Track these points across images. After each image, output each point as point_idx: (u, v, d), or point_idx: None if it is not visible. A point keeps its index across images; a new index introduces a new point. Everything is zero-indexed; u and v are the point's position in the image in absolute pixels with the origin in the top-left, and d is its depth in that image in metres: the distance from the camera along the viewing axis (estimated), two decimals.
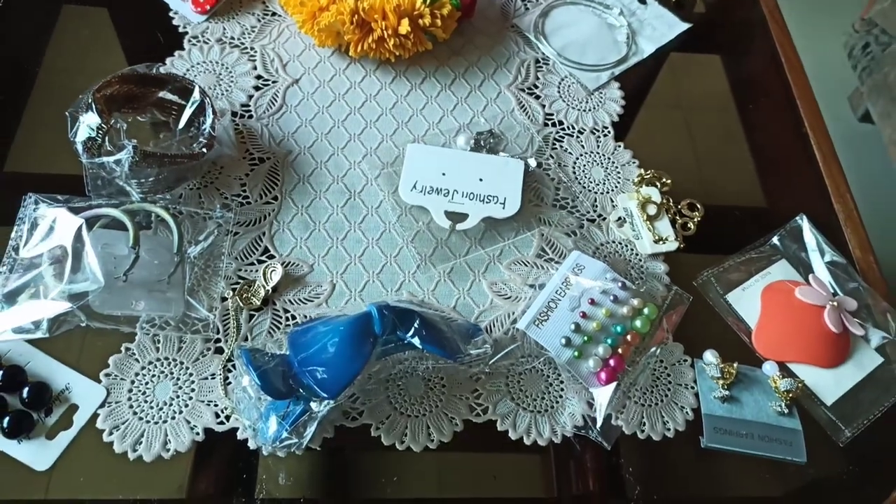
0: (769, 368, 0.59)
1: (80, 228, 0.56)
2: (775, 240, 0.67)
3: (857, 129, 1.83)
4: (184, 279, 0.57)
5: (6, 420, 0.50)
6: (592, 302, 0.59)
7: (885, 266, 0.70)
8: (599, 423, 0.55)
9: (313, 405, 0.49)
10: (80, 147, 0.58)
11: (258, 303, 0.58)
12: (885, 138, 1.69)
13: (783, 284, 0.64)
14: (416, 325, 0.52)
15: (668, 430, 0.57)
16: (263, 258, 0.60)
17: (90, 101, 0.59)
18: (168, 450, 0.51)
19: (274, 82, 0.71)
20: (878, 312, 0.64)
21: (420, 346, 0.52)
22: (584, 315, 0.58)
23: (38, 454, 0.50)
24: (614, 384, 0.55)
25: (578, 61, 0.77)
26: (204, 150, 0.60)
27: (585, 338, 0.57)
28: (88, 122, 0.58)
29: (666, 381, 0.59)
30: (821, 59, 1.88)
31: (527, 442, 0.55)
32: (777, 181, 0.74)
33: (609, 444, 0.55)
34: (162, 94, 0.64)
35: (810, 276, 0.64)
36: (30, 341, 0.53)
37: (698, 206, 0.68)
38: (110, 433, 0.51)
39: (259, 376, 0.48)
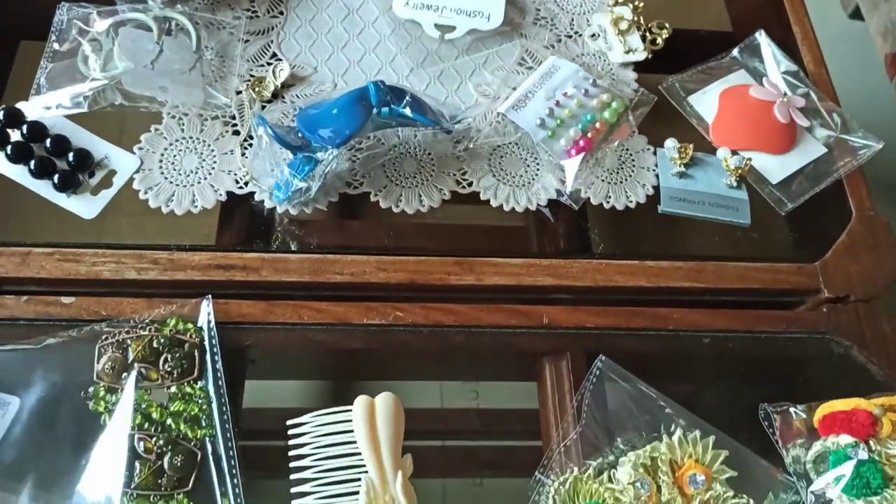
0: (722, 151, 0.67)
1: (110, 26, 0.63)
2: (735, 52, 0.74)
3: (848, 26, 1.87)
4: (202, 74, 0.65)
5: (56, 177, 0.58)
6: (566, 94, 0.66)
7: None
8: (569, 189, 0.63)
9: (320, 155, 0.57)
10: None
11: (269, 95, 0.65)
12: (872, 29, 1.73)
13: (740, 87, 0.71)
14: (407, 98, 0.60)
15: (631, 201, 0.65)
16: (272, 61, 0.68)
17: None
18: (196, 206, 0.60)
19: None
20: (825, 112, 0.71)
21: (411, 115, 0.59)
22: (557, 104, 0.66)
23: (85, 206, 0.58)
24: (582, 154, 0.63)
25: None
26: None
27: (558, 121, 0.65)
28: None
29: (630, 164, 0.67)
30: None
31: (506, 209, 0.63)
32: (742, 9, 0.80)
33: (577, 206, 0.63)
34: None
35: (764, 80, 0.71)
36: (72, 118, 0.61)
37: (667, 25, 0.75)
38: (145, 192, 0.60)
39: (273, 130, 0.56)
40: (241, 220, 0.61)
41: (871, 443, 0.52)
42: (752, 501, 0.51)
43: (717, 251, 0.64)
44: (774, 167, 0.67)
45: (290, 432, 0.51)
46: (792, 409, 0.54)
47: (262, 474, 0.52)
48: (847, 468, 0.50)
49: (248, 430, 0.52)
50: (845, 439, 0.52)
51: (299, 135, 0.56)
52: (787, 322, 0.60)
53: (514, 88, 0.68)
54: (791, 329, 0.60)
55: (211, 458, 0.50)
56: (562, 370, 0.57)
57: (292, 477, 0.50)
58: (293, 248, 0.59)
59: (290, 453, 0.50)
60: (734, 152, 0.67)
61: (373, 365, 0.60)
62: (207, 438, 0.51)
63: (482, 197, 0.63)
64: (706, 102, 0.71)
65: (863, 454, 0.51)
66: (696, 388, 0.59)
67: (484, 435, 1.03)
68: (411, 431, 0.51)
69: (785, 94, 0.70)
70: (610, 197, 0.64)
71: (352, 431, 0.51)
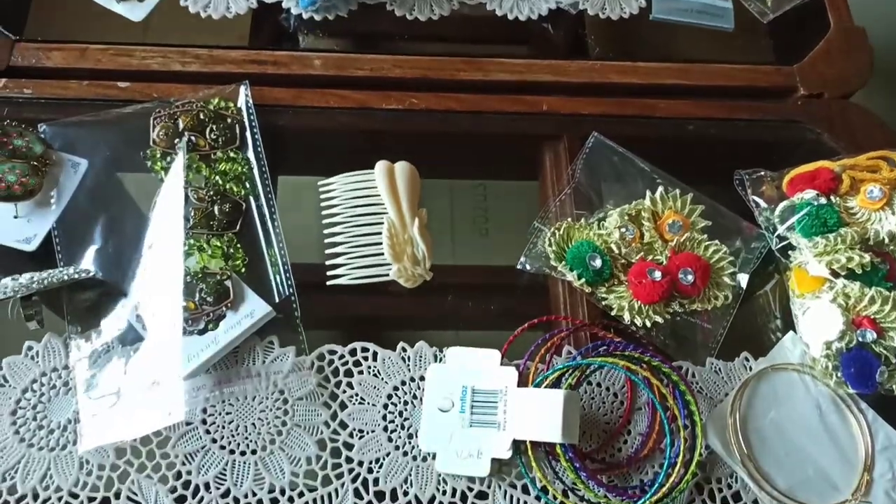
0: None
1: None
2: None
3: None
4: None
5: None
6: None
7: None
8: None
9: None
10: None
11: None
12: None
13: None
14: None
15: (624, 12, 0.71)
16: None
17: None
18: (230, 11, 0.66)
19: None
20: None
21: None
22: None
23: (133, 10, 0.66)
24: None
25: None
26: None
27: None
28: None
29: None
30: None
31: (510, 17, 0.69)
32: None
33: (574, 10, 0.69)
34: None
35: None
36: None
37: None
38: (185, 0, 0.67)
39: None
40: (271, 25, 0.68)
41: (832, 197, 0.59)
42: (724, 246, 0.58)
43: (704, 55, 0.70)
44: None
45: (320, 190, 0.59)
46: (764, 174, 0.61)
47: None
48: (808, 211, 0.57)
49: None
50: (809, 193, 0.58)
51: None
52: (764, 111, 0.67)
53: None
54: (768, 117, 0.67)
55: (255, 211, 0.58)
56: (559, 152, 0.64)
57: (324, 222, 0.58)
58: (319, 47, 0.66)
59: (322, 204, 0.58)
60: None
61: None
62: (251, 197, 0.59)
63: (488, 7, 0.70)
64: None
65: (822, 200, 0.57)
66: (681, 169, 0.65)
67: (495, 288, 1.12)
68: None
69: None
70: (606, 8, 0.70)
71: (375, 188, 0.59)
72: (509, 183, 0.71)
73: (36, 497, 0.48)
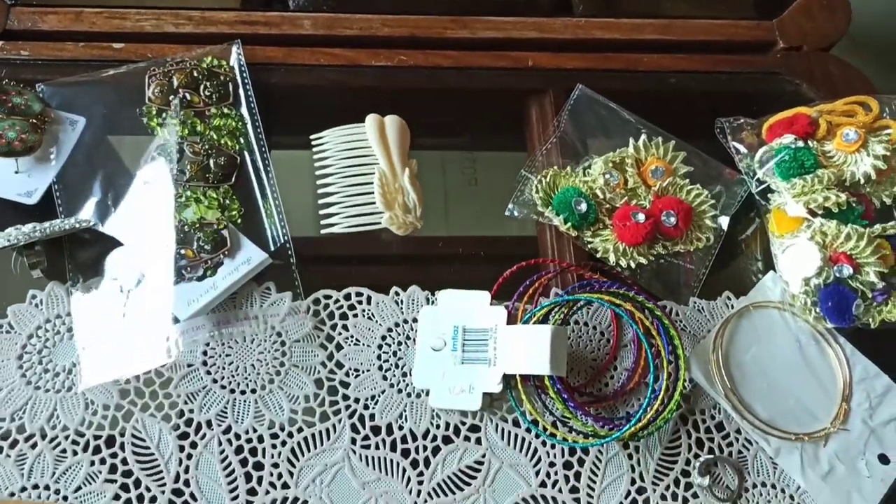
0: None
1: None
2: None
3: None
4: None
5: None
6: None
7: None
8: None
9: None
10: None
11: None
12: None
13: None
14: None
15: None
16: None
17: None
18: None
19: None
20: None
21: None
22: None
23: None
24: None
25: None
26: None
27: None
28: None
29: None
30: None
31: None
32: None
33: None
34: None
35: None
36: None
37: None
38: None
39: None
40: None
41: (809, 141, 0.60)
42: (705, 190, 0.60)
43: (686, 11, 0.72)
44: None
45: (313, 144, 0.61)
46: (744, 121, 0.63)
47: None
48: (786, 154, 0.59)
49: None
50: (787, 138, 0.60)
51: None
52: (745, 64, 0.69)
53: None
54: (749, 70, 0.68)
55: (250, 165, 0.60)
56: (545, 106, 0.66)
57: (317, 174, 0.59)
58: (308, 7, 0.67)
59: (315, 157, 0.60)
60: None
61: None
62: (246, 152, 0.60)
63: None
64: None
65: (800, 144, 0.59)
66: (664, 121, 0.66)
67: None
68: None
69: None
70: None
71: (366, 140, 0.60)
72: (498, 154, 0.72)
73: (44, 436, 0.50)
